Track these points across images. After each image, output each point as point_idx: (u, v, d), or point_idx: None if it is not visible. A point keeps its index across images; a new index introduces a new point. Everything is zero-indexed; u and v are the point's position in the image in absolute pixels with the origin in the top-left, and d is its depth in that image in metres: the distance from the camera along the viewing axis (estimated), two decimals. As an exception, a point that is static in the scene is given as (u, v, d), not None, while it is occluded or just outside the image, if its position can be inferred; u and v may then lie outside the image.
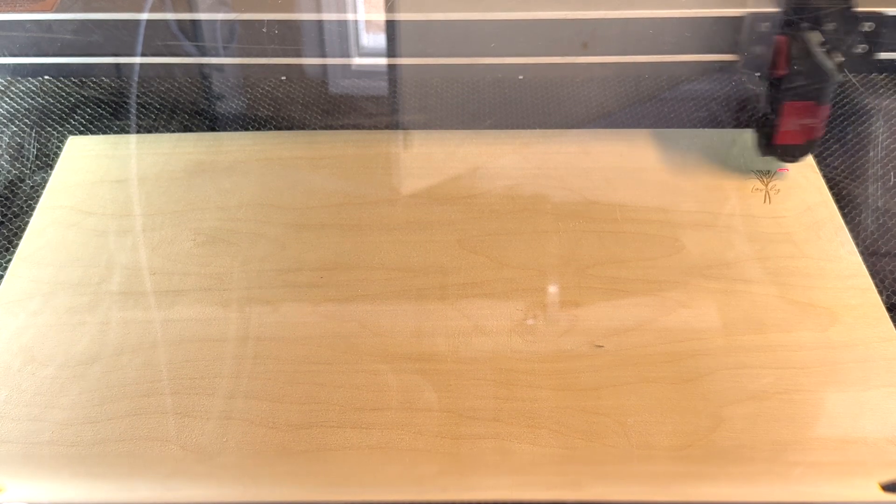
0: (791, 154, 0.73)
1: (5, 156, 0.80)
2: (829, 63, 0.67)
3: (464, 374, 0.61)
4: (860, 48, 0.73)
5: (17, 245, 0.70)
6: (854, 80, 0.87)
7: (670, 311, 0.65)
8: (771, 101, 0.72)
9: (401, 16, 0.80)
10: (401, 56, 0.83)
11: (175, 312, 0.65)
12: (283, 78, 0.88)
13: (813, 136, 0.71)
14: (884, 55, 0.75)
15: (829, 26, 0.69)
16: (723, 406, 0.58)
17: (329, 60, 0.85)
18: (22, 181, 0.78)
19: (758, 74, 0.76)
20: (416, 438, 0.57)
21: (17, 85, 0.88)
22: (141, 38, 0.82)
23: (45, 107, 0.85)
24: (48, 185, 0.75)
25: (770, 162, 0.75)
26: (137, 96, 0.86)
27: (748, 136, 0.78)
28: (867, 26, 0.71)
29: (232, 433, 0.57)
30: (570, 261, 0.68)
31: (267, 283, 0.67)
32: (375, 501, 0.55)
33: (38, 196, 0.75)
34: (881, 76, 0.87)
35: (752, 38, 0.74)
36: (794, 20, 0.69)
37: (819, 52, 0.67)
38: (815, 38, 0.68)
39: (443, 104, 0.86)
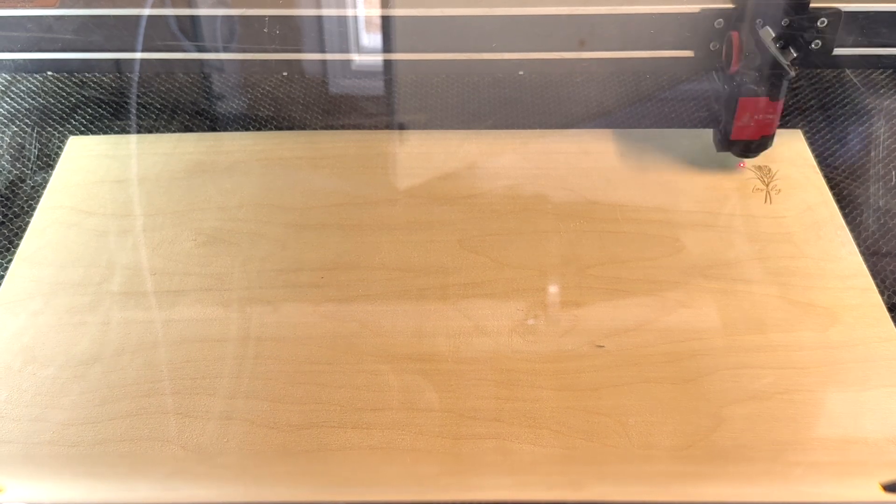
0: (746, 150, 0.73)
1: (6, 156, 0.80)
2: (783, 59, 0.67)
3: (464, 375, 0.61)
4: (814, 44, 0.73)
5: (17, 245, 0.70)
6: (854, 79, 0.87)
7: (671, 311, 0.65)
8: (726, 96, 0.72)
9: (401, 12, 0.80)
10: (401, 52, 0.83)
11: (176, 313, 0.65)
12: (284, 74, 0.88)
13: (768, 131, 0.71)
14: (839, 51, 0.75)
15: (784, 22, 0.69)
16: (723, 406, 0.59)
17: (329, 56, 0.85)
18: (23, 181, 0.78)
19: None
20: (416, 438, 0.57)
21: (18, 84, 0.88)
22: (141, 36, 0.82)
23: (45, 107, 0.85)
24: (49, 185, 0.75)
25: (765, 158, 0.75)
26: (138, 96, 0.86)
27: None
28: (820, 22, 0.72)
29: (233, 433, 0.57)
30: (570, 261, 0.68)
31: (267, 283, 0.67)
32: (376, 501, 0.55)
33: (39, 196, 0.75)
34: (882, 75, 0.87)
35: (709, 34, 0.75)
36: (747, 16, 0.69)
37: (773, 47, 0.67)
38: (768, 33, 0.68)
39: (443, 103, 0.86)
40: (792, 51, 0.68)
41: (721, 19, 0.74)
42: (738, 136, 0.72)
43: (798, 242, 0.70)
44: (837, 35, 0.74)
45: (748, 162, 0.76)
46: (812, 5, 0.71)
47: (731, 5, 0.73)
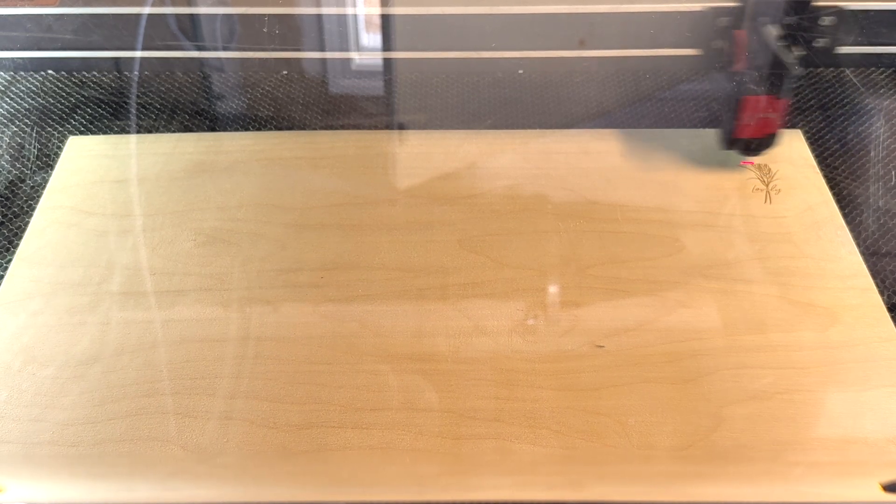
0: (751, 148, 0.73)
1: (6, 156, 0.80)
2: (788, 57, 0.67)
3: (464, 375, 0.61)
4: (820, 42, 0.74)
5: (17, 245, 0.70)
6: (854, 79, 0.87)
7: (670, 311, 0.65)
8: (731, 94, 0.72)
9: (400, 11, 0.80)
10: (401, 51, 0.83)
11: (175, 313, 0.65)
12: (284, 73, 0.88)
13: (773, 129, 0.71)
14: (841, 50, 0.76)
15: (789, 20, 0.69)
16: (723, 406, 0.59)
17: (329, 55, 0.85)
18: (22, 181, 0.78)
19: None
20: (416, 439, 0.57)
21: (18, 84, 0.88)
22: (141, 35, 0.82)
23: (45, 107, 0.85)
24: (48, 186, 0.75)
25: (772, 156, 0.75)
26: (137, 96, 0.86)
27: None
28: (827, 21, 0.72)
29: (232, 433, 0.57)
30: (570, 261, 0.68)
31: (267, 283, 0.67)
32: (376, 501, 0.55)
33: (39, 196, 0.75)
34: (882, 74, 0.87)
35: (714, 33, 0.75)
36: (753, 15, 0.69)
37: (778, 46, 0.67)
38: (772, 32, 0.68)
39: (443, 103, 0.86)
40: (796, 49, 0.68)
41: (725, 18, 0.74)
42: (741, 134, 0.72)
43: (798, 242, 0.70)
44: (840, 34, 0.74)
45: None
46: (815, 4, 0.71)
47: (735, 4, 0.73)
